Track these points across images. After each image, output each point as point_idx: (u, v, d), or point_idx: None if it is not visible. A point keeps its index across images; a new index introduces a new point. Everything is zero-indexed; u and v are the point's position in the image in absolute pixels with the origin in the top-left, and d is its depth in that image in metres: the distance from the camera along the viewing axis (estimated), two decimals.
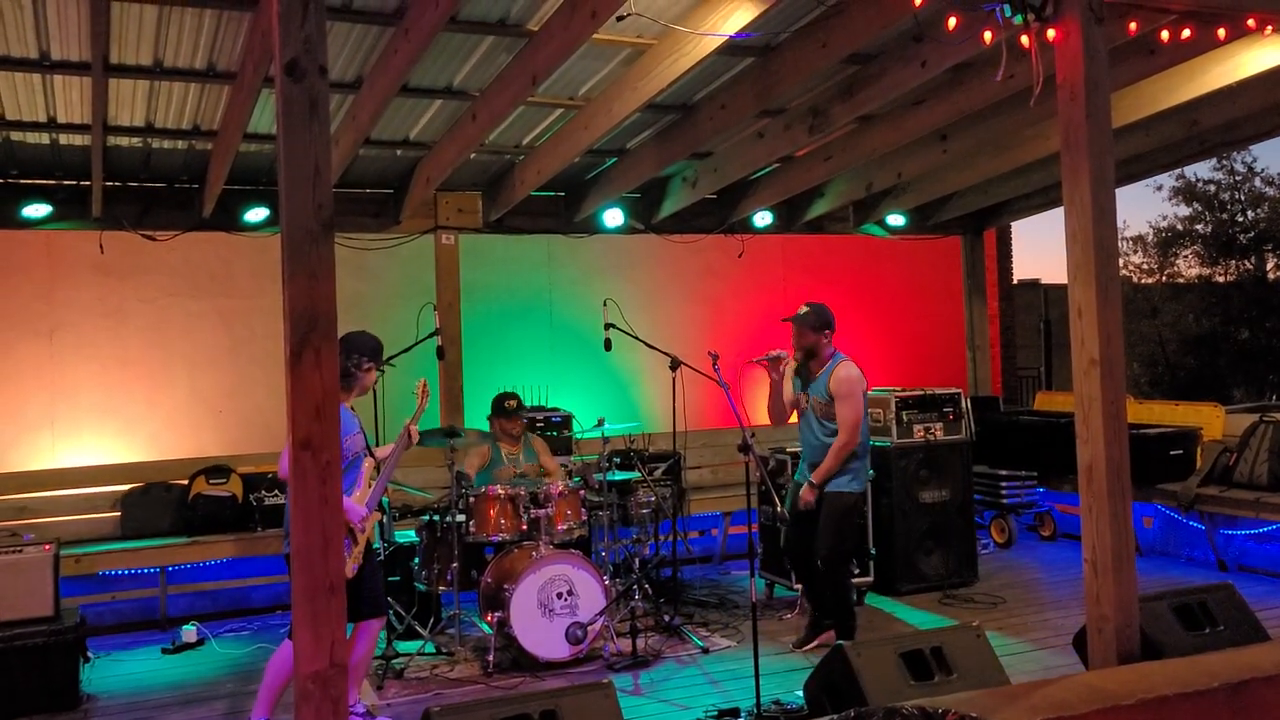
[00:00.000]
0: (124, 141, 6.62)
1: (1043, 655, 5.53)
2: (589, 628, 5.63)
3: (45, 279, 7.29)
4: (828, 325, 5.68)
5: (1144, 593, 4.31)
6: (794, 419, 5.99)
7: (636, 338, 6.11)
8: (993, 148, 7.88)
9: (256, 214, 7.48)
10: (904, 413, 7.00)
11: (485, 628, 5.82)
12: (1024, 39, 4.40)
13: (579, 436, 7.42)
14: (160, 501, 7.11)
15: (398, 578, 6.28)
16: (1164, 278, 22.76)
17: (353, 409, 4.85)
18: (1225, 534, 7.34)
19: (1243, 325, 21.20)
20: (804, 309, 5.71)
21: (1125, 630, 4.13)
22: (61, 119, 6.23)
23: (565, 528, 5.96)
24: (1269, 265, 21.84)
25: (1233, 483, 7.33)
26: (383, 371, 5.11)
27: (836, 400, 5.59)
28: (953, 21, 4.50)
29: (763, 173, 8.26)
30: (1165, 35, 5.00)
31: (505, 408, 6.65)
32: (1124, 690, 3.58)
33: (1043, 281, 20.01)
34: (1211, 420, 8.27)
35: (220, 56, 5.47)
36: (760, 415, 9.02)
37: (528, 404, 7.94)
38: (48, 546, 5.42)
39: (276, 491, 7.02)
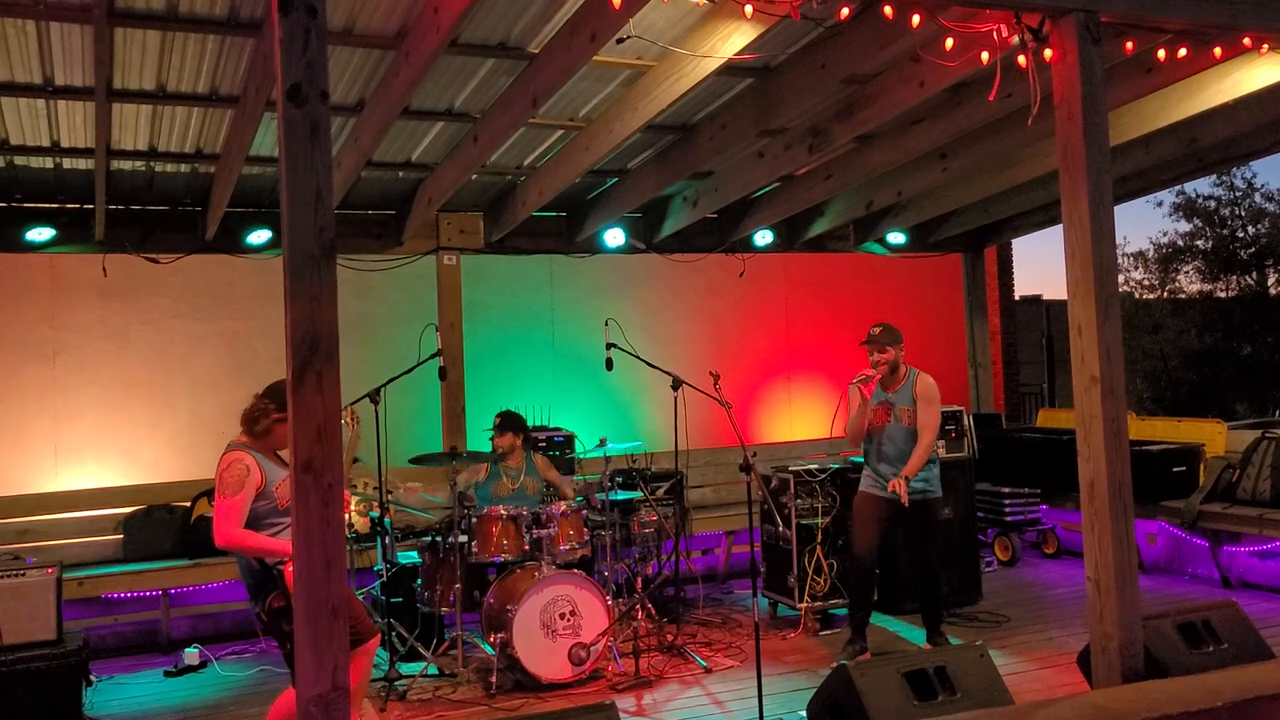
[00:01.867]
0: (127, 165, 6.65)
1: (1047, 674, 5.51)
2: (592, 648, 5.62)
3: (48, 302, 7.31)
4: (898, 341, 5.97)
5: (1148, 611, 4.30)
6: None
7: (638, 357, 6.12)
8: (992, 166, 7.91)
9: (259, 236, 7.51)
10: None
11: (488, 649, 5.81)
12: (1021, 59, 4.43)
13: (582, 456, 7.42)
14: (162, 524, 7.11)
15: (400, 599, 6.27)
16: (1165, 293, 22.77)
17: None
18: (1229, 551, 7.32)
19: (1245, 341, 21.18)
20: (878, 329, 5.95)
21: (1129, 649, 4.12)
22: (65, 143, 6.27)
23: (568, 548, 5.96)
24: (1270, 280, 21.85)
25: (1236, 499, 7.31)
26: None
27: (921, 404, 5.87)
28: (950, 42, 4.52)
29: (763, 192, 8.29)
30: (1162, 54, 5.03)
31: (495, 424, 6.68)
32: (1128, 709, 3.57)
33: (1045, 297, 20.03)
34: (1214, 436, 8.26)
35: (223, 81, 5.51)
36: (762, 434, 9.02)
37: (530, 424, 7.95)
38: (50, 570, 5.42)
39: None
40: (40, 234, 7.09)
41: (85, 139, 6.15)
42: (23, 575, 5.33)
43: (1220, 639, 4.39)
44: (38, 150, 6.34)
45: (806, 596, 6.60)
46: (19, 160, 6.52)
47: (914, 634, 6.39)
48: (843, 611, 6.53)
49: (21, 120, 5.89)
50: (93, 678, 5.75)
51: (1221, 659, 4.28)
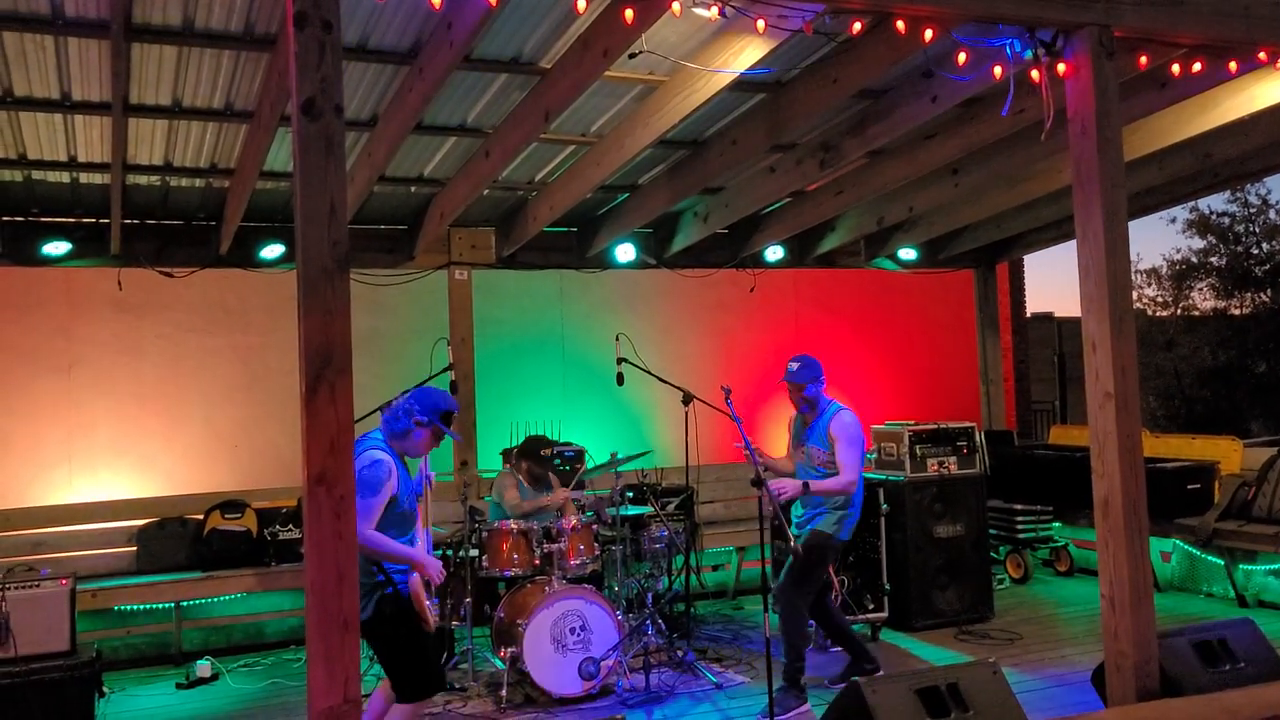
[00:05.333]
0: (143, 180, 6.70)
1: (1060, 692, 5.46)
2: (602, 663, 5.60)
3: (64, 315, 7.36)
4: (818, 377, 5.68)
5: (1163, 629, 4.27)
6: None
7: (649, 372, 6.12)
8: (1004, 181, 7.89)
9: (272, 251, 7.55)
10: (918, 447, 6.98)
11: (498, 663, 5.79)
12: (1034, 74, 4.43)
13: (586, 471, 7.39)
14: (175, 536, 7.13)
15: None
16: (1179, 310, 22.65)
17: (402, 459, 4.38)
18: (1245, 569, 7.26)
19: (1259, 358, 21.05)
20: (794, 365, 5.70)
21: (1144, 667, 4.08)
22: (82, 158, 6.32)
23: (578, 562, 5.95)
24: None
25: (1251, 517, 7.25)
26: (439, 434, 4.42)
27: (837, 444, 5.52)
28: (963, 57, 4.53)
29: (774, 207, 8.29)
30: (1176, 69, 5.02)
31: (540, 455, 6.47)
32: None
33: (1056, 315, 19.95)
34: (1229, 454, 8.21)
35: (238, 96, 5.55)
36: (772, 449, 8.98)
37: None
38: (65, 581, 5.44)
39: (291, 526, 7.03)
40: (56, 248, 7.15)
41: (102, 154, 6.20)
42: (37, 586, 5.36)
43: (1237, 658, 4.35)
44: (55, 165, 6.40)
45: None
46: (36, 175, 6.58)
47: (926, 651, 6.36)
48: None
49: (39, 135, 5.95)
50: (105, 689, 5.74)
51: (1239, 678, 4.24)
